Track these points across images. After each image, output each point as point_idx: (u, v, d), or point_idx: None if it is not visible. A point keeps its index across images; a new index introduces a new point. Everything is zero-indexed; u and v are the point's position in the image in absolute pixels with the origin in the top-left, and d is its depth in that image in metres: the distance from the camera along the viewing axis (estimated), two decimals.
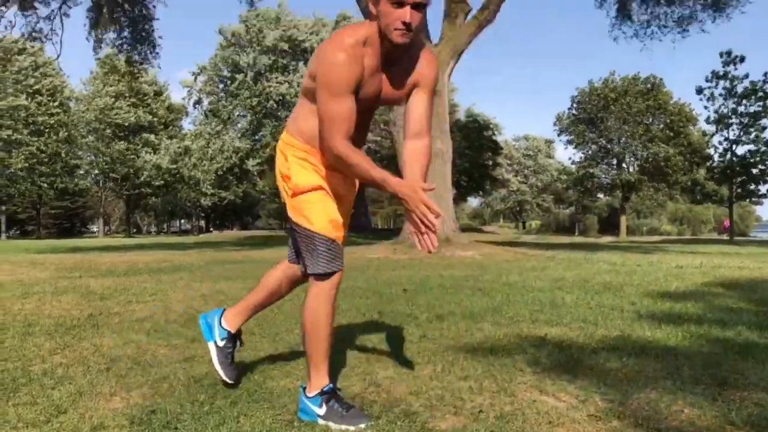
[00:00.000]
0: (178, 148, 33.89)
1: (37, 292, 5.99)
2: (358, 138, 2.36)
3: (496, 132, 42.07)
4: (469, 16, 13.22)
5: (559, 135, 40.83)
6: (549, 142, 63.57)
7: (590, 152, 39.40)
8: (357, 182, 2.57)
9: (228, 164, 33.00)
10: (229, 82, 35.17)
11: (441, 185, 12.44)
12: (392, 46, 2.22)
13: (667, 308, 4.76)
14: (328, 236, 2.37)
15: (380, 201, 66.60)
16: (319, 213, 2.38)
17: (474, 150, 33.56)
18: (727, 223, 42.28)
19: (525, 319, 4.37)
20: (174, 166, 35.09)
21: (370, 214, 55.00)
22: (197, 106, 38.33)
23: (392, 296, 5.68)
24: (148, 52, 17.70)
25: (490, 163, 40.89)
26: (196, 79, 33.96)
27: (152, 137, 38.71)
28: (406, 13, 2.11)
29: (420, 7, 2.15)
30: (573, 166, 42.15)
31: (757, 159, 26.26)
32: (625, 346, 3.45)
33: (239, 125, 35.39)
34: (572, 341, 3.59)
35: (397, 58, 2.32)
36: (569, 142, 39.70)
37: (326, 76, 2.20)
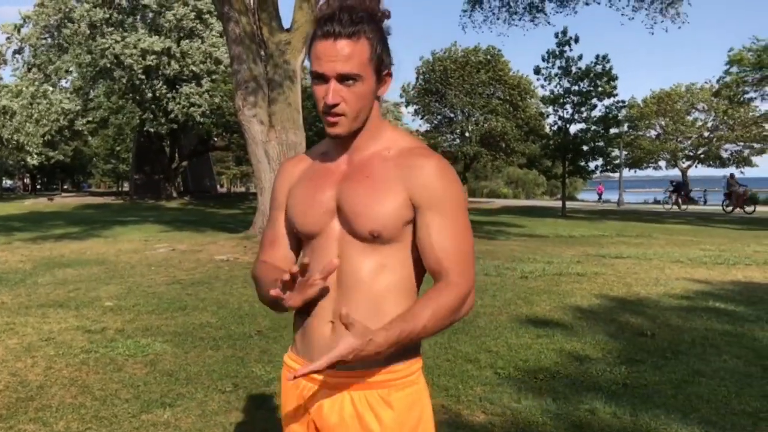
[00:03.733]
0: None
1: None
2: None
3: None
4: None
5: (406, 106, 41.40)
6: (397, 105, 64.18)
7: (435, 123, 40.37)
8: None
9: (56, 127, 30.15)
10: (56, 33, 32.03)
11: None
12: (332, 140, 1.62)
13: (523, 364, 4.85)
14: None
15: (225, 161, 64.56)
16: None
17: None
18: (600, 189, 45.88)
19: None
20: None
21: (215, 176, 53.20)
22: (17, 56, 34.68)
23: (246, 344, 5.36)
24: None
25: None
26: (19, 30, 30.50)
27: None
28: (327, 91, 1.49)
29: (348, 80, 1.49)
30: (418, 133, 43.09)
31: (588, 137, 28.11)
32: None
33: (66, 83, 32.42)
34: None
35: (361, 165, 1.59)
36: (416, 112, 40.41)
37: None
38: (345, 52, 1.47)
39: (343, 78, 1.48)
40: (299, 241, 1.69)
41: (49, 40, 31.50)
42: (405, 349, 1.53)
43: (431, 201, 1.53)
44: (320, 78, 1.50)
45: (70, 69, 31.42)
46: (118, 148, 50.40)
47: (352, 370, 1.50)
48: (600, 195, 45.83)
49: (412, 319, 1.45)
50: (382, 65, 1.54)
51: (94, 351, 5.10)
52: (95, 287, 8.01)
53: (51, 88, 31.24)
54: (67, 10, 29.05)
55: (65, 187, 65.64)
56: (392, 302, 1.54)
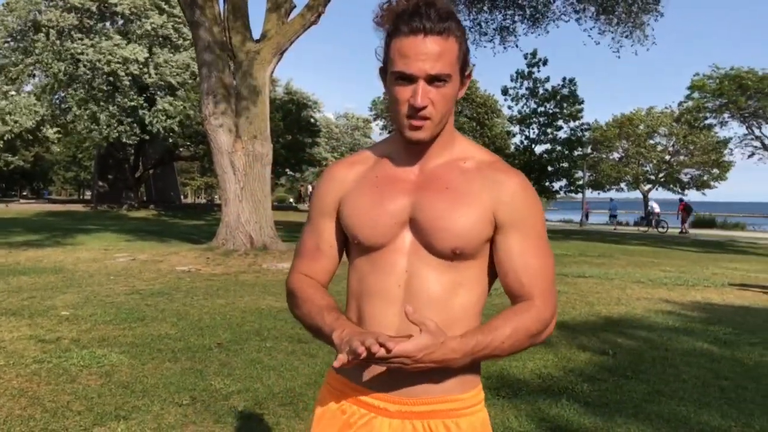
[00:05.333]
0: None
1: None
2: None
3: (315, 110, 41.78)
4: (294, 13, 12.74)
5: (374, 120, 41.65)
6: (366, 121, 64.59)
7: None
8: None
9: (18, 128, 29.42)
10: (18, 37, 31.32)
11: (260, 191, 11.97)
12: (409, 145, 1.46)
13: (485, 381, 4.82)
14: None
15: (190, 171, 63.92)
16: None
17: (293, 132, 33.03)
18: (587, 208, 45.97)
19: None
20: None
21: (179, 187, 52.52)
22: None
23: (206, 356, 5.24)
24: None
25: (309, 140, 40.67)
26: None
27: None
28: (416, 92, 1.35)
29: (438, 81, 1.36)
30: None
31: (553, 157, 28.52)
32: None
33: (28, 87, 31.71)
34: None
35: (437, 174, 1.47)
36: (384, 127, 40.67)
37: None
38: (436, 51, 1.34)
39: (432, 79, 1.35)
40: (344, 250, 1.58)
41: (12, 43, 30.80)
42: (469, 379, 1.45)
43: (516, 220, 1.43)
44: (405, 78, 1.36)
45: (34, 72, 30.77)
46: (80, 156, 49.54)
47: (416, 396, 1.41)
48: (587, 215, 45.81)
49: (491, 333, 1.36)
50: (466, 66, 1.43)
51: (47, 361, 4.94)
52: (51, 296, 7.80)
53: (14, 92, 30.56)
54: (36, 12, 28.42)
55: (24, 193, 64.22)
56: (466, 325, 1.42)
